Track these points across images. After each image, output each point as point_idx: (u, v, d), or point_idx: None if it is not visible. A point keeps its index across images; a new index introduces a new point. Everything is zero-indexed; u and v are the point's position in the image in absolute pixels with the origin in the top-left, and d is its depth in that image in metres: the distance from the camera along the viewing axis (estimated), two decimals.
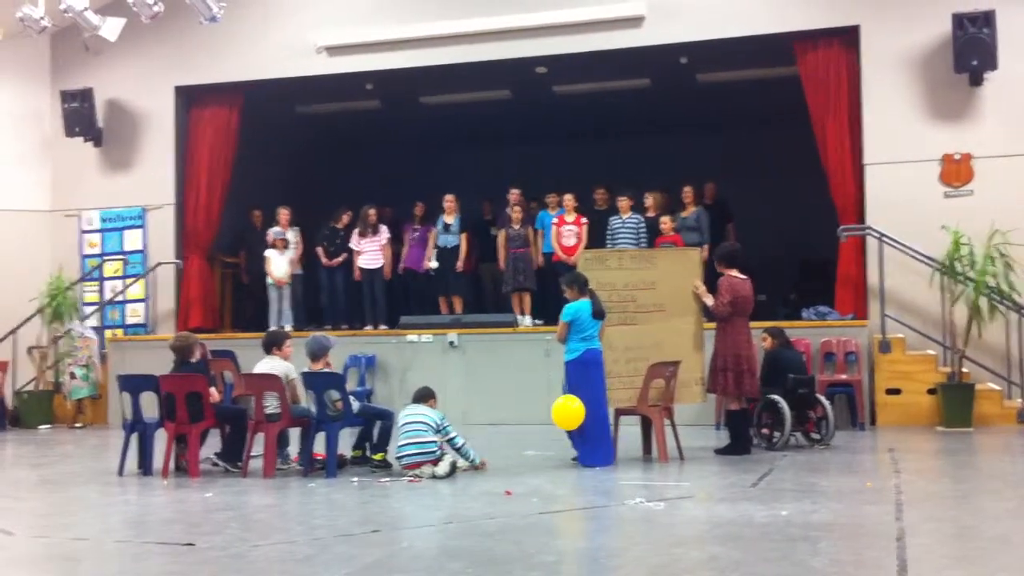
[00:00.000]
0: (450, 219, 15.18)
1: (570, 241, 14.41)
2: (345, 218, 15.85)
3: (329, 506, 7.84)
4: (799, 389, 10.66)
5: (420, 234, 15.56)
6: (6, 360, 15.43)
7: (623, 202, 14.40)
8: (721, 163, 16.70)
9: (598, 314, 9.58)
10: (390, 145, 19.53)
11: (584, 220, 14.59)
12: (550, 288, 14.45)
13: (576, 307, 9.58)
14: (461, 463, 9.21)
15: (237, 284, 17.23)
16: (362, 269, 15.35)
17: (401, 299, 15.82)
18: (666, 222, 14.11)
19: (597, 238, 14.33)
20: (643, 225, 14.26)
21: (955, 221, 12.50)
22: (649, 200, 14.69)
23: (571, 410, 9.33)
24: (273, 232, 15.54)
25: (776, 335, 11.20)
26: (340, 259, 15.59)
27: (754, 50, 14.60)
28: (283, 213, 15.82)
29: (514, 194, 15.18)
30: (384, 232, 15.48)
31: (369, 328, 15.06)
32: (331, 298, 15.73)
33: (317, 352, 9.72)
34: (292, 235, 15.77)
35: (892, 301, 13.18)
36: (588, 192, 15.34)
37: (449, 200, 15.23)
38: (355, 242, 15.44)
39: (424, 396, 9.43)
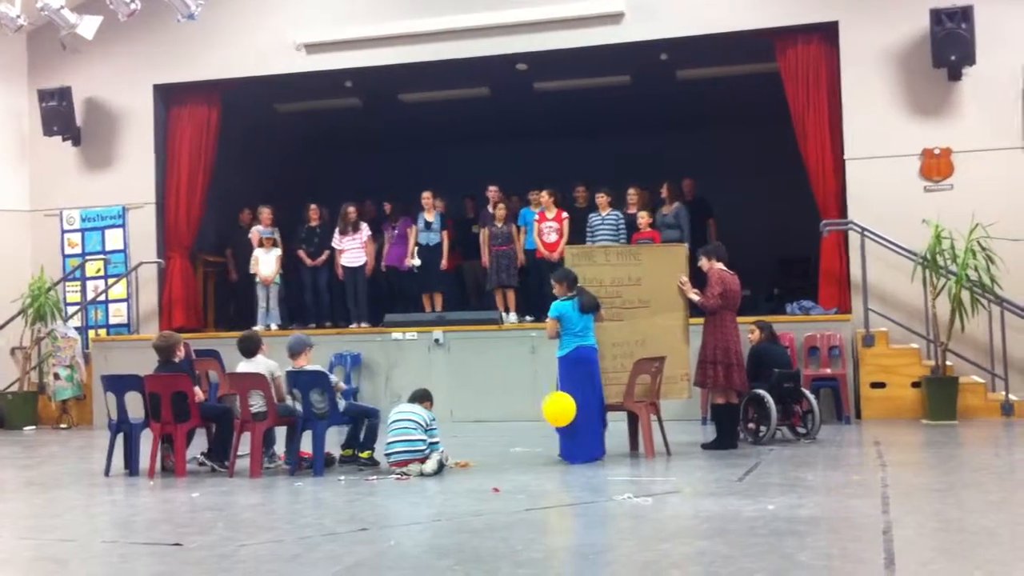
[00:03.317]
0: (430, 216, 15.15)
1: (551, 237, 14.38)
2: (314, 215, 15.84)
3: (316, 505, 7.82)
4: (784, 383, 10.70)
5: (399, 231, 15.54)
6: None
7: (601, 198, 14.37)
8: (702, 159, 16.72)
9: (586, 308, 9.56)
10: (371, 143, 19.50)
11: (565, 215, 14.55)
12: (533, 285, 14.49)
13: (561, 304, 9.59)
14: (449, 461, 9.21)
15: (220, 283, 17.18)
16: (344, 267, 15.33)
17: (385, 297, 15.80)
18: (644, 217, 14.11)
19: (577, 236, 14.29)
20: (622, 221, 14.25)
21: (936, 215, 12.55)
22: (633, 196, 14.68)
23: (562, 406, 9.32)
24: (259, 231, 15.51)
25: (764, 328, 11.25)
26: (323, 258, 15.58)
27: (734, 46, 14.63)
28: (264, 212, 15.79)
29: (493, 191, 15.18)
30: (365, 229, 15.46)
31: (354, 326, 15.04)
32: (315, 297, 15.71)
33: (296, 349, 9.69)
34: (275, 234, 15.75)
35: (875, 295, 13.25)
36: (570, 189, 15.35)
37: (427, 197, 15.19)
38: (336, 241, 15.42)
39: (420, 397, 9.38)
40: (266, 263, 15.32)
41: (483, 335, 14.06)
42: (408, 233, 15.34)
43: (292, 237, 15.98)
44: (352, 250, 15.36)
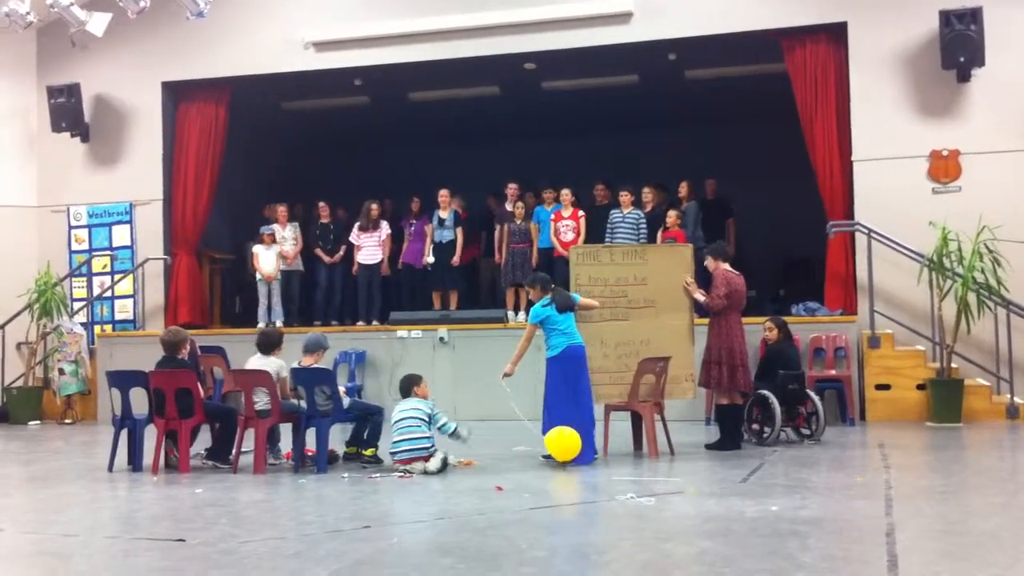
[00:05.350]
0: (444, 213, 15.15)
1: (568, 236, 14.31)
2: (323, 212, 15.86)
3: (319, 502, 7.83)
4: (789, 385, 10.69)
5: (417, 228, 15.55)
6: None
7: (624, 196, 14.28)
8: (708, 159, 16.69)
9: (562, 308, 9.54)
10: (379, 142, 19.50)
11: (581, 214, 14.52)
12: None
13: (541, 309, 9.58)
14: (452, 459, 9.21)
15: (226, 280, 17.21)
16: (360, 264, 15.34)
17: (398, 294, 15.79)
18: (672, 216, 14.04)
19: (597, 233, 14.24)
20: (643, 220, 14.19)
21: (943, 217, 12.52)
22: (648, 195, 14.64)
23: (567, 441, 9.19)
24: (263, 228, 15.54)
25: (781, 327, 11.24)
26: (340, 254, 15.63)
27: (742, 46, 14.60)
28: (280, 210, 15.82)
29: (512, 189, 15.20)
30: (384, 227, 15.47)
31: (362, 324, 15.05)
32: (328, 295, 15.72)
33: (312, 347, 9.72)
34: (291, 231, 15.77)
35: (881, 297, 13.21)
36: (580, 187, 15.31)
37: (443, 195, 15.19)
38: (355, 236, 15.44)
39: (409, 385, 9.35)
40: (266, 260, 15.32)
41: (488, 333, 14.03)
42: (425, 231, 15.37)
43: (306, 235, 16.00)
44: (369, 247, 15.37)
